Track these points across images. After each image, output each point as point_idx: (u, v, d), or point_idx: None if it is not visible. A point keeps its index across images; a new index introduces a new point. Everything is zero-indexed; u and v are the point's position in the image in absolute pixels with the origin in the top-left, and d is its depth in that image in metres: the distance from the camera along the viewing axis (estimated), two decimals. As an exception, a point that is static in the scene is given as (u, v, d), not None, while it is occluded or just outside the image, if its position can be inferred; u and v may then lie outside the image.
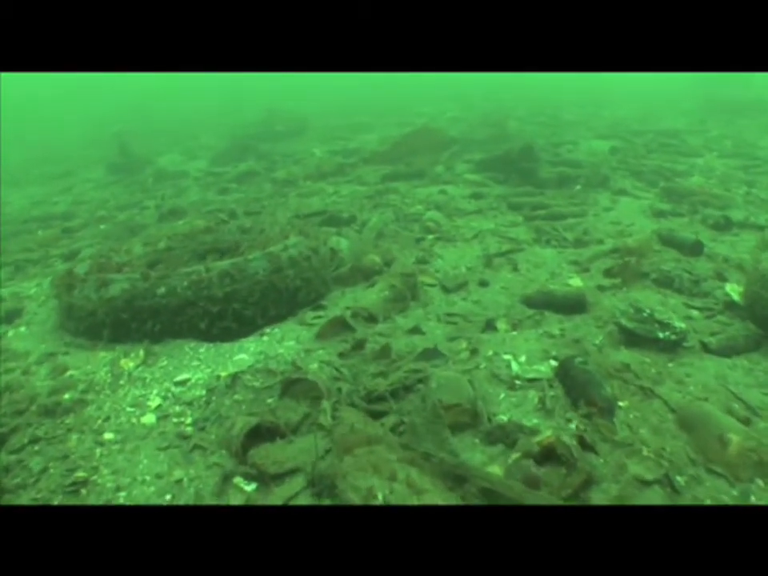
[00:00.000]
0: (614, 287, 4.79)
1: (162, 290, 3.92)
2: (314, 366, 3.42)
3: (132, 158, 12.09)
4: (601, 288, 4.77)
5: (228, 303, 3.98)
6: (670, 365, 3.59)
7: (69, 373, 3.61)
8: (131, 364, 3.67)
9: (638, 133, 12.07)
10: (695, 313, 4.34)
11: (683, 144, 10.95)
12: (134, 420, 3.12)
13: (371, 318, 4.11)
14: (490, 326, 4.14)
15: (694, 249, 5.46)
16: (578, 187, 7.89)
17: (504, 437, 2.87)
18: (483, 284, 4.83)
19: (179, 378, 3.50)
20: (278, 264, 4.21)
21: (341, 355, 3.64)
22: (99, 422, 3.11)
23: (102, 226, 7.80)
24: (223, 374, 3.47)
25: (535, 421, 3.04)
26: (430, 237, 6.14)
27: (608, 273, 5.00)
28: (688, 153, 10.26)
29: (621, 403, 3.19)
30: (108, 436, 2.99)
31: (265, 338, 3.97)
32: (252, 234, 5.50)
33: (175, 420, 3.09)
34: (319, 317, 4.25)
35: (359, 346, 3.68)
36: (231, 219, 7.24)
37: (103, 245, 6.74)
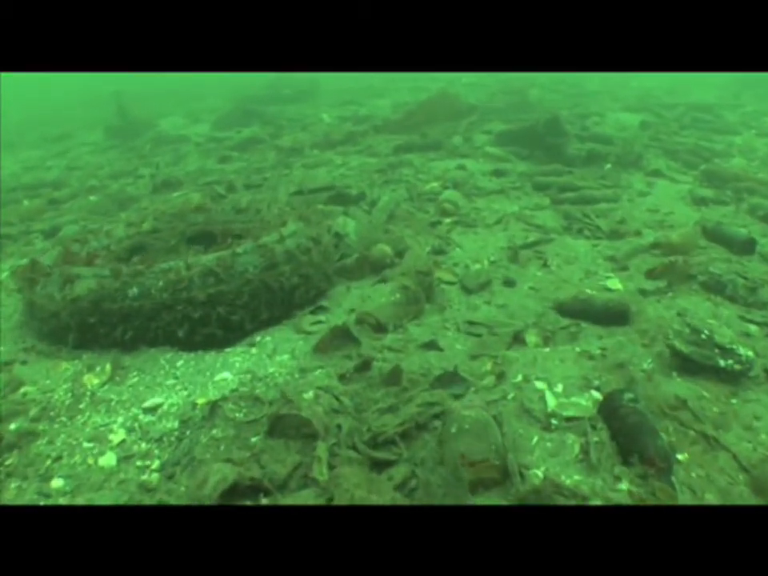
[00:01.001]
0: (658, 291, 4.16)
1: (134, 290, 3.35)
2: (310, 394, 2.85)
3: (131, 121, 11.39)
4: (643, 292, 4.15)
5: (212, 307, 3.40)
6: (734, 401, 3.00)
7: (23, 390, 3.07)
8: (96, 381, 3.13)
9: (669, 106, 11.15)
10: (753, 328, 3.71)
11: (718, 120, 10.08)
12: (90, 461, 2.58)
13: (379, 327, 3.53)
14: (518, 338, 3.55)
15: (746, 246, 4.79)
16: (608, 166, 7.16)
17: (538, 502, 2.31)
18: (509, 283, 4.21)
19: (150, 402, 2.95)
20: (271, 259, 3.61)
21: (342, 378, 3.07)
22: (48, 462, 2.58)
23: (91, 197, 7.19)
24: (201, 400, 2.92)
25: (577, 477, 2.47)
26: (447, 220, 5.50)
27: (651, 274, 4.36)
28: (724, 130, 9.43)
29: (679, 456, 2.62)
30: (56, 484, 2.45)
31: (254, 350, 3.40)
32: (247, 214, 4.90)
33: (139, 463, 2.55)
34: (319, 322, 3.67)
35: (365, 366, 3.10)
36: (229, 193, 6.64)
37: (87, 220, 6.16)
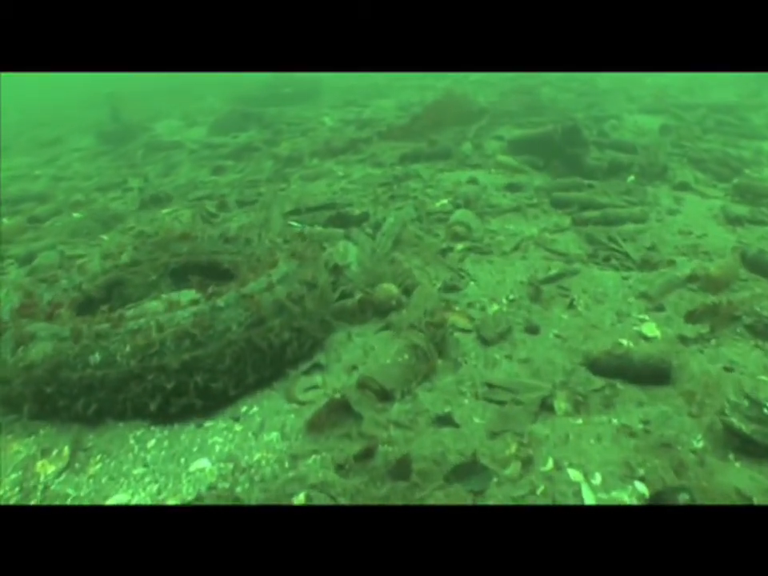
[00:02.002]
0: (700, 339, 3.65)
1: (96, 357, 2.86)
2: (301, 497, 2.36)
3: (125, 125, 10.88)
4: (683, 339, 3.64)
5: (188, 375, 2.92)
6: (812, 497, 2.49)
7: (-40, 484, 2.60)
8: (51, 468, 2.65)
9: (688, 107, 10.51)
10: (817, 386, 3.21)
11: (743, 123, 9.48)
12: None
13: (384, 395, 3.03)
14: (545, 405, 3.05)
15: (795, 277, 4.27)
16: (632, 178, 6.62)
17: None
18: (532, 330, 3.70)
19: (113, 500, 2.47)
20: (258, 313, 3.11)
21: (340, 469, 2.57)
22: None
23: (75, 214, 6.70)
24: (172, 501, 2.43)
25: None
26: (460, 246, 4.98)
27: (691, 317, 3.84)
28: (750, 134, 8.84)
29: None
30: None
31: (238, 427, 2.91)
32: (237, 244, 4.39)
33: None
34: (314, 387, 3.18)
35: (367, 453, 2.61)
36: (220, 211, 6.14)
37: (67, 244, 5.68)
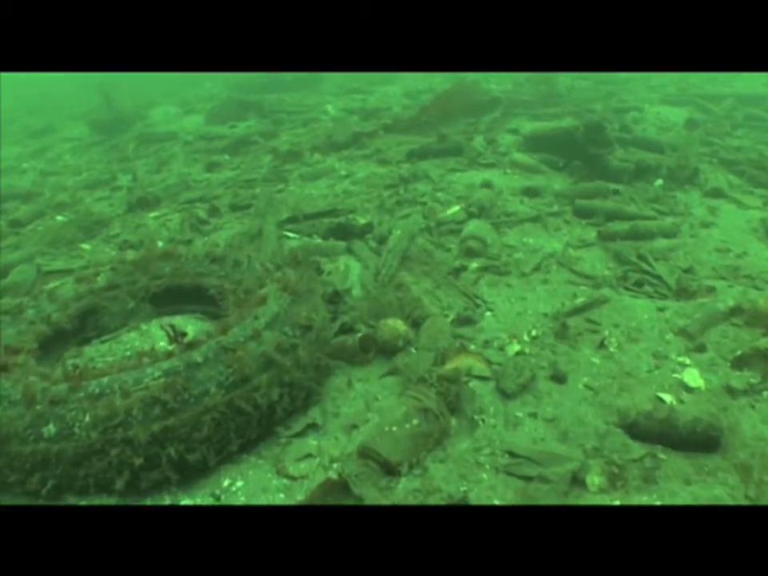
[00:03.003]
0: (750, 390, 3.19)
1: (50, 429, 2.41)
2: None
3: (119, 113, 10.34)
4: (730, 390, 3.18)
5: (160, 447, 2.48)
6: None
7: None
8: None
9: (714, 98, 9.83)
10: None
11: (775, 116, 8.87)
12: None
13: (389, 468, 2.59)
14: (576, 480, 2.61)
15: None
16: (659, 182, 6.09)
17: None
18: (558, 378, 3.24)
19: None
20: (241, 371, 2.66)
21: None
22: None
23: (59, 217, 6.24)
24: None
25: None
26: (474, 265, 4.50)
27: (738, 362, 3.37)
28: (785, 130, 8.26)
29: None
30: None
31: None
32: (224, 265, 3.93)
33: None
34: (308, 456, 2.74)
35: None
36: (211, 217, 5.67)
37: (46, 255, 5.23)
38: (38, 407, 2.45)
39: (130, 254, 5.10)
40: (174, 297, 4.03)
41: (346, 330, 3.68)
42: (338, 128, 8.19)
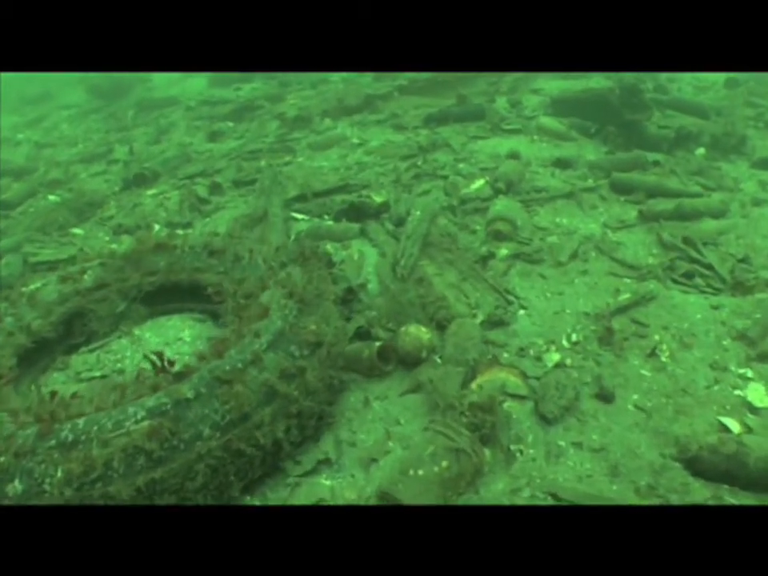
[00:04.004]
0: (830, 410, 2.75)
1: (16, 486, 2.05)
2: None
3: (118, 77, 9.75)
4: (807, 411, 2.75)
5: (147, 499, 2.12)
6: None
7: None
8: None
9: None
10: None
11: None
12: None
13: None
14: (632, 531, 2.22)
15: None
16: (701, 151, 5.51)
17: None
18: (605, 397, 2.82)
19: None
20: (240, 407, 2.27)
21: None
22: None
23: (51, 197, 5.82)
24: None
25: None
26: (504, 251, 4.03)
27: (814, 374, 2.93)
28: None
29: None
30: None
31: None
32: (223, 259, 3.52)
33: None
34: (320, 501, 2.37)
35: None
36: (212, 195, 5.22)
37: (34, 242, 4.83)
38: (4, 460, 2.08)
39: (125, 241, 4.72)
40: (169, 295, 3.65)
41: (362, 334, 3.27)
42: (350, 90, 7.58)
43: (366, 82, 8.33)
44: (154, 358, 2.38)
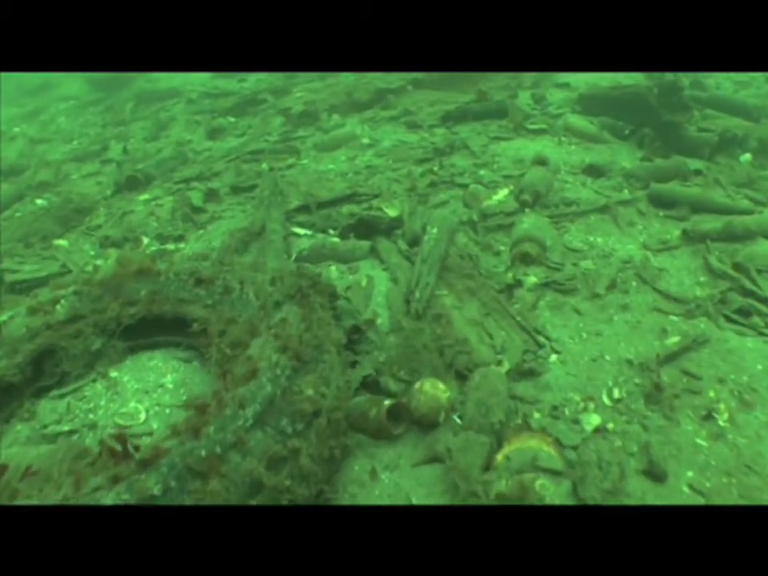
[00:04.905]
0: None
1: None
2: None
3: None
4: None
5: (99, 629, 1.70)
6: None
7: None
8: None
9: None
10: None
11: None
12: None
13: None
14: None
15: None
16: (747, 156, 4.97)
17: None
18: (655, 474, 2.37)
19: None
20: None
21: None
22: None
23: (38, 201, 5.40)
24: None
25: None
26: (532, 279, 3.56)
27: None
28: None
29: None
30: None
31: None
32: (211, 290, 3.10)
33: None
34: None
35: None
36: (207, 203, 4.79)
37: (13, 256, 4.43)
38: None
39: (111, 255, 4.30)
40: (151, 328, 3.24)
41: (370, 384, 2.84)
42: (360, 84, 7.07)
43: (376, 74, 7.79)
44: (115, 444, 1.96)
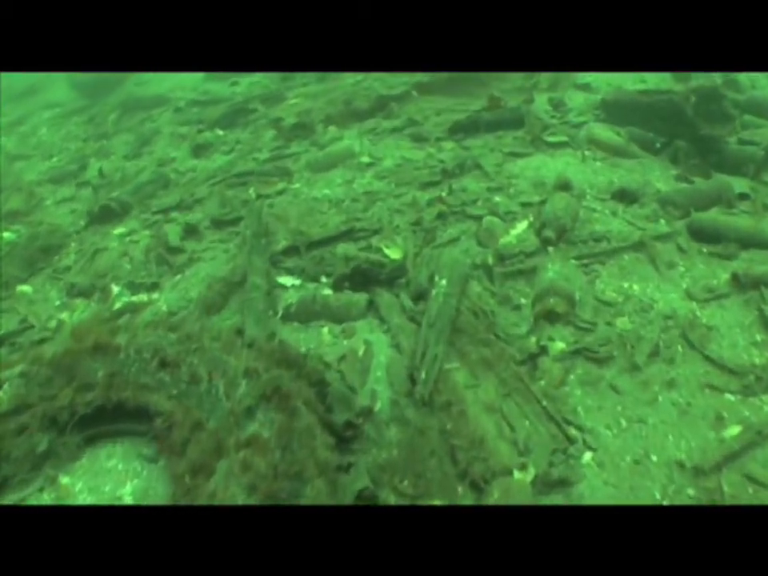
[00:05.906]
0: None
1: None
2: None
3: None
4: None
5: None
6: None
7: None
8: None
9: None
10: None
11: None
12: None
13: None
14: None
15: None
16: (789, 176, 4.37)
17: None
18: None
19: None
20: None
21: None
22: None
23: (6, 234, 4.90)
24: None
25: None
26: (559, 345, 3.02)
27: None
28: None
29: None
30: None
31: None
32: (176, 377, 2.63)
33: None
34: None
35: None
36: (185, 240, 4.26)
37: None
38: None
39: (78, 307, 3.81)
40: (110, 416, 2.74)
41: (365, 498, 2.33)
42: (359, 89, 6.46)
43: (378, 75, 7.18)
44: None
